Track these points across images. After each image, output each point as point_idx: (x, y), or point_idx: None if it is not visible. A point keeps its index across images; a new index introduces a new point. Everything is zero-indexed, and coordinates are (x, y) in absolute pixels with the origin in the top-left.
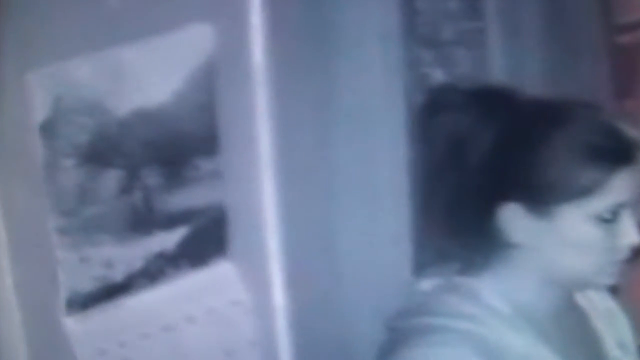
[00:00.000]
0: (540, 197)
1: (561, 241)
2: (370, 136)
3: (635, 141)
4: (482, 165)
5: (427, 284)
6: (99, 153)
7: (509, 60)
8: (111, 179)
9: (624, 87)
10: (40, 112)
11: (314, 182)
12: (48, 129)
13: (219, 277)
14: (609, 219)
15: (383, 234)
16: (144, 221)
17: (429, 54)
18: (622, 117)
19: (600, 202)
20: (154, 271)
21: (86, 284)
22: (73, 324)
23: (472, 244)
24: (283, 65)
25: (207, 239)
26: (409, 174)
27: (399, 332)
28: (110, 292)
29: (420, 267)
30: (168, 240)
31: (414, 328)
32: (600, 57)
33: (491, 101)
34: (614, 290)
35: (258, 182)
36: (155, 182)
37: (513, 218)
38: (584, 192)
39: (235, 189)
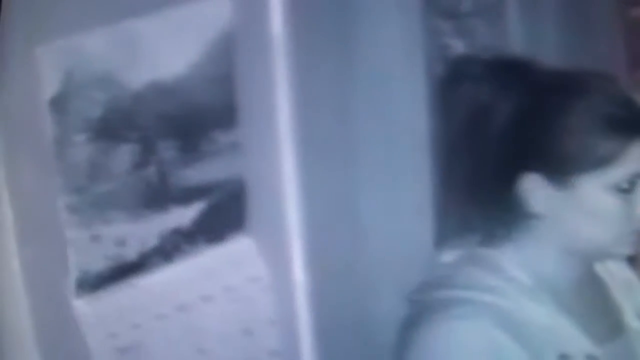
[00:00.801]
0: (560, 167)
1: (580, 211)
2: (391, 107)
3: None
4: (502, 135)
5: (449, 256)
6: (112, 127)
7: (527, 32)
8: (124, 153)
9: (637, 58)
10: (50, 87)
11: (334, 154)
12: (59, 104)
13: (236, 253)
14: (626, 189)
15: (405, 206)
16: (158, 197)
17: (449, 25)
18: (636, 88)
19: (618, 172)
20: (169, 249)
21: (97, 264)
22: (83, 306)
23: (493, 215)
24: (302, 36)
25: (225, 214)
26: (430, 145)
27: (422, 305)
28: (123, 271)
29: (443, 239)
30: (184, 216)
31: (437, 301)
32: (614, 30)
33: (510, 72)
34: (632, 261)
35: (277, 155)
36: (171, 156)
37: (533, 188)
38: (602, 162)
39: (253, 163)
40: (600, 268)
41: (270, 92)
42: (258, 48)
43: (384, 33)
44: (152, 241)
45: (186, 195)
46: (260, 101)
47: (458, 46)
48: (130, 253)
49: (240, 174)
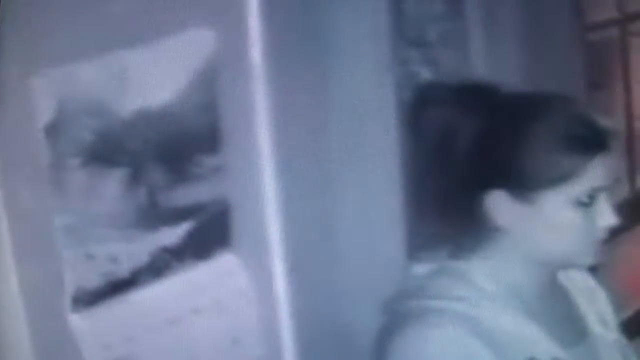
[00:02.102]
0: (523, 184)
1: (544, 225)
2: (363, 130)
3: (607, 130)
4: (468, 155)
5: (421, 268)
6: (104, 152)
7: (490, 57)
8: (116, 177)
9: (595, 80)
10: (45, 114)
11: (312, 175)
12: (53, 130)
13: (223, 269)
14: (587, 203)
15: (379, 222)
16: (148, 217)
17: (416, 54)
18: (594, 108)
19: (579, 188)
20: (160, 265)
21: (92, 281)
22: (79, 321)
23: (462, 229)
24: (280, 65)
25: (211, 233)
26: (401, 165)
27: (397, 315)
28: (116, 287)
29: (415, 252)
30: (173, 234)
31: (411, 310)
32: (573, 54)
33: (474, 96)
34: (593, 270)
35: (259, 177)
36: (159, 179)
37: (498, 204)
38: (563, 178)
39: (237, 184)
40: (563, 277)
41: (251, 118)
42: (239, 77)
43: (357, 61)
44: (143, 259)
45: (174, 216)
46: (242, 126)
47: (425, 73)
48: (123, 270)
49: (225, 195)
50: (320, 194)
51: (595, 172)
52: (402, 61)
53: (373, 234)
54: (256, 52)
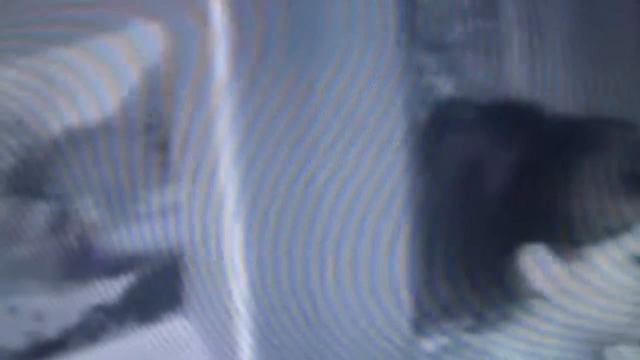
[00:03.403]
0: (571, 235)
1: (593, 288)
2: (361, 162)
3: None
4: (501, 197)
5: (430, 345)
6: (26, 181)
7: (532, 69)
8: (41, 212)
9: None
10: None
11: (287, 217)
12: None
13: (172, 336)
14: None
15: (376, 283)
16: (79, 266)
17: (432, 60)
18: None
19: (636, 241)
20: (94, 327)
21: (14, 340)
22: None
23: (487, 295)
24: (250, 75)
25: (158, 290)
26: (410, 208)
27: None
28: (43, 350)
29: (422, 324)
30: (110, 290)
31: None
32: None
33: (510, 119)
34: None
35: (220, 220)
36: (95, 218)
37: (537, 262)
38: (624, 228)
39: (192, 228)
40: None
41: (210, 143)
42: (197, 89)
43: (353, 71)
44: (73, 317)
45: (112, 266)
46: (199, 153)
47: (445, 86)
48: (50, 329)
49: (176, 241)
50: (299, 243)
51: None
52: (416, 70)
53: (369, 299)
54: (219, 58)
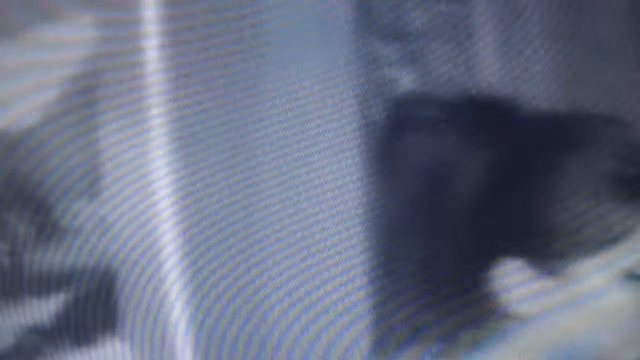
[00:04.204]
0: (553, 249)
1: (579, 308)
2: (311, 169)
3: None
4: (472, 206)
5: None
6: None
7: (507, 60)
8: None
9: None
10: None
11: (230, 231)
12: None
13: (108, 358)
14: None
15: (332, 303)
16: (9, 285)
17: (391, 50)
18: None
19: (635, 255)
20: (28, 350)
21: None
22: None
23: (457, 316)
24: (186, 72)
25: (92, 310)
26: (366, 221)
27: None
28: None
29: (384, 348)
30: (43, 310)
31: None
32: (633, 54)
33: (481, 117)
34: None
35: (156, 234)
36: (23, 233)
37: (515, 279)
38: (611, 241)
39: (126, 243)
40: None
41: (143, 148)
42: (128, 88)
43: (301, 63)
44: (5, 339)
45: (45, 285)
46: (131, 161)
47: (404, 80)
48: None
49: (110, 257)
50: (243, 260)
51: None
52: (371, 62)
53: (323, 320)
54: (152, 53)
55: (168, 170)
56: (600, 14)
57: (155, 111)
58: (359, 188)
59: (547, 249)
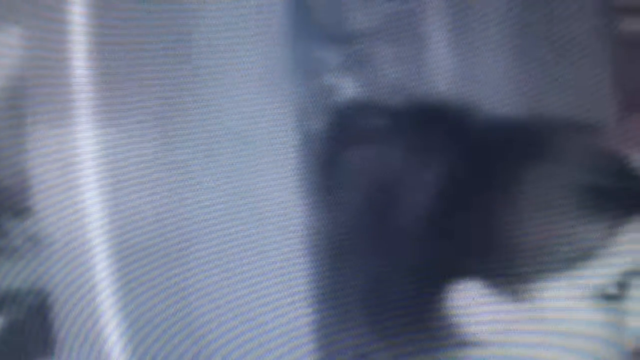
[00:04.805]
0: (512, 269)
1: (544, 331)
2: (248, 184)
3: None
4: (424, 223)
5: None
6: None
7: (460, 61)
8: None
9: (633, 97)
10: None
11: (162, 247)
12: None
13: None
14: (615, 295)
15: (271, 333)
16: None
17: (334, 55)
18: (630, 143)
19: (602, 272)
20: None
21: None
22: None
23: (410, 346)
24: (113, 84)
25: (26, 337)
26: (309, 240)
27: None
28: None
29: None
30: None
31: None
32: (597, 54)
33: (434, 125)
34: None
35: (89, 254)
36: None
37: (470, 303)
38: (578, 258)
39: (58, 264)
40: None
41: (72, 164)
42: (56, 99)
43: (234, 70)
44: None
45: None
46: (61, 177)
47: (349, 86)
48: None
49: (42, 279)
50: (171, 272)
51: (631, 247)
52: (312, 68)
53: (260, 353)
54: (79, 65)
55: (99, 185)
56: (563, 10)
57: (84, 125)
58: (299, 205)
59: (509, 268)
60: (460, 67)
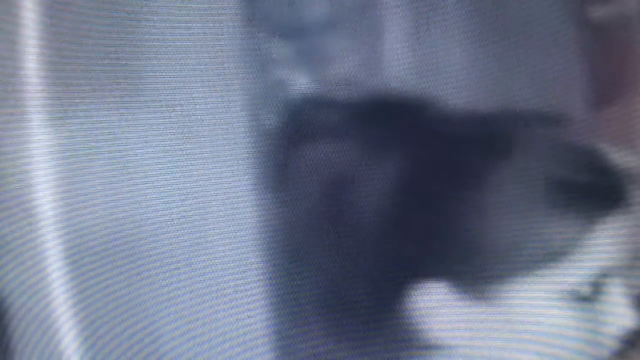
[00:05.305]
0: (478, 269)
1: (512, 335)
2: (198, 183)
3: (623, 172)
4: (381, 221)
5: None
6: None
7: (418, 52)
8: None
9: (605, 88)
10: None
11: (114, 247)
12: None
13: None
14: (588, 296)
15: (227, 338)
16: None
17: (285, 49)
18: (601, 136)
19: (574, 272)
20: None
21: None
22: None
23: (369, 350)
24: (65, 80)
25: None
26: (262, 242)
27: None
28: None
29: None
30: None
31: None
32: (565, 43)
33: (392, 121)
34: None
35: (41, 258)
36: None
37: (434, 305)
38: (548, 257)
39: (11, 271)
40: None
41: (23, 163)
42: (7, 89)
43: (182, 66)
44: None
45: None
46: (10, 176)
47: (301, 81)
48: None
49: None
50: (129, 283)
51: (603, 245)
52: (262, 63)
53: (218, 356)
54: (30, 64)
55: (51, 185)
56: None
57: (35, 124)
58: (251, 206)
59: (475, 269)
60: (418, 59)
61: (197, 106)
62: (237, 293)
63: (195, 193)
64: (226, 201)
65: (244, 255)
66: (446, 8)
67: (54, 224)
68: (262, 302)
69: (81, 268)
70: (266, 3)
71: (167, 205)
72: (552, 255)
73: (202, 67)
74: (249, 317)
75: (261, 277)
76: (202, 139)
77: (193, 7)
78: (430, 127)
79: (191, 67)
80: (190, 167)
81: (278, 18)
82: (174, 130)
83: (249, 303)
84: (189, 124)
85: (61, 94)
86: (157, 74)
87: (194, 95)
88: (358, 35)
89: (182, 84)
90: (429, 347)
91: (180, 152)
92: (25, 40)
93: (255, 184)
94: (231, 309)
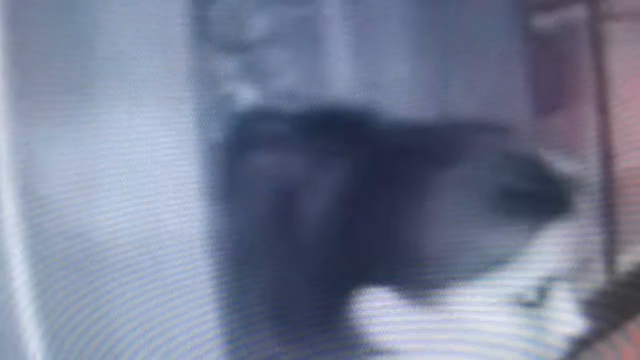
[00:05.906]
0: (421, 276)
1: (458, 342)
2: (147, 193)
3: (568, 180)
4: (326, 230)
5: None
6: None
7: (361, 64)
8: None
9: (548, 96)
10: None
11: (76, 256)
12: None
13: None
14: (533, 302)
15: (179, 343)
16: None
17: (231, 62)
18: (545, 144)
19: (519, 277)
20: None
21: None
22: None
23: (317, 355)
24: (24, 92)
25: None
26: (211, 250)
27: None
28: None
29: None
30: None
31: None
32: (508, 52)
33: (336, 130)
34: None
35: (2, 261)
36: None
37: (378, 312)
38: (492, 263)
39: None
40: None
41: None
42: None
43: (133, 81)
44: None
45: None
46: None
47: (246, 93)
48: None
49: None
50: (90, 287)
51: (548, 251)
52: (208, 76)
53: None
54: None
55: (14, 194)
56: (472, 6)
57: None
58: (200, 214)
59: (418, 275)
60: (360, 71)
61: (147, 120)
62: (188, 301)
63: (147, 202)
64: (176, 211)
65: (194, 264)
66: (388, 20)
67: (16, 227)
68: (212, 308)
69: (44, 271)
70: (213, 19)
71: (121, 212)
72: (496, 262)
73: (151, 82)
74: (199, 324)
75: (211, 285)
76: (151, 153)
77: (145, 21)
78: (373, 137)
79: (141, 82)
80: (142, 176)
81: (224, 33)
82: (123, 139)
83: (198, 308)
84: (138, 137)
85: (20, 101)
86: (107, 88)
87: (142, 110)
88: (301, 48)
89: (131, 99)
90: (374, 352)
91: (130, 165)
92: None
93: (203, 194)
94: (182, 314)
